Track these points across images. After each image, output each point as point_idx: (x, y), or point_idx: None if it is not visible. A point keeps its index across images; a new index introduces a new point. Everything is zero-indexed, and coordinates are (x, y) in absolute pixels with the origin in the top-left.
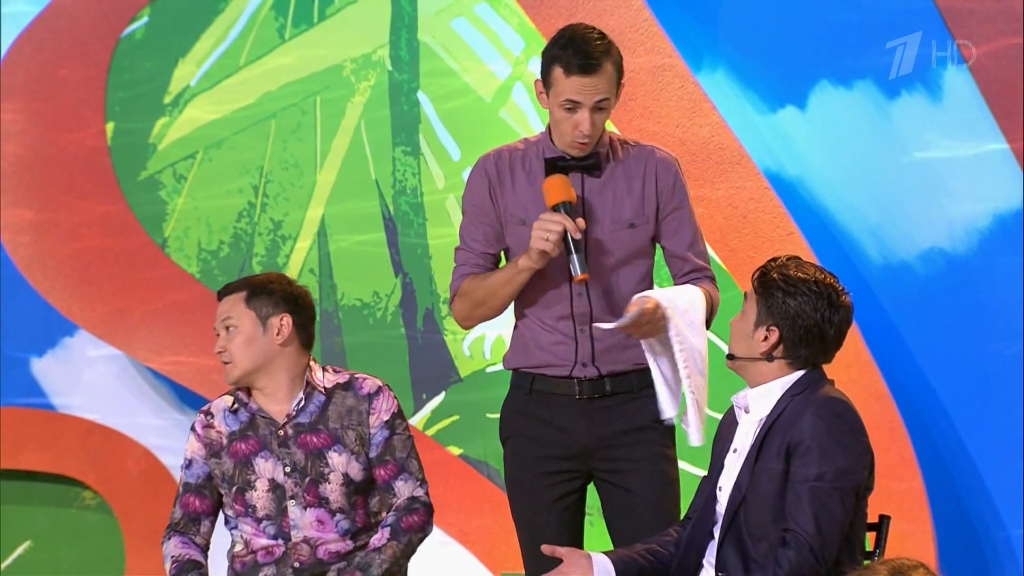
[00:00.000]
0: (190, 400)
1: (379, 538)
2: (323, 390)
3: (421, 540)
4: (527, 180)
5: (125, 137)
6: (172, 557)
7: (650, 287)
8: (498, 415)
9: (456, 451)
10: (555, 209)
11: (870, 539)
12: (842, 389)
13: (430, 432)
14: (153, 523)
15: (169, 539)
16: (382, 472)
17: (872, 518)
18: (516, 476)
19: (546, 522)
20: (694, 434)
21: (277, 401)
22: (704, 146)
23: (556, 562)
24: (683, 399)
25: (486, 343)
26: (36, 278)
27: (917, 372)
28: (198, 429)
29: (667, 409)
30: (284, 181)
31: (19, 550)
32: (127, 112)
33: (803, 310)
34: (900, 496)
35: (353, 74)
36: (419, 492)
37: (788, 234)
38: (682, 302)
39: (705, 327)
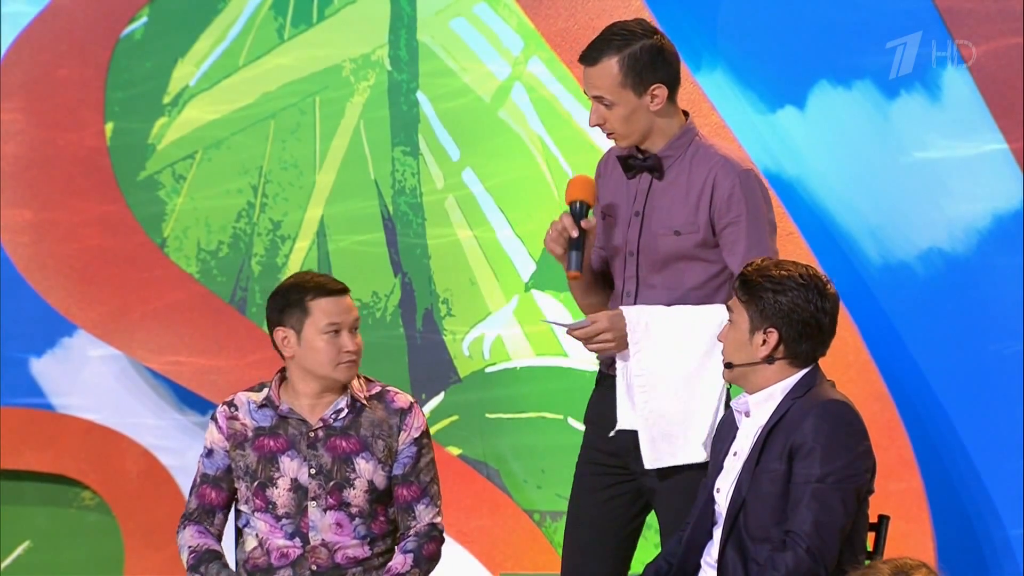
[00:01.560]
0: (189, 400)
1: (402, 563)
2: (364, 401)
3: (433, 568)
4: (612, 178)
5: (124, 137)
6: (189, 547)
7: (707, 296)
8: (497, 415)
9: (455, 451)
10: (571, 207)
11: (869, 539)
12: (842, 389)
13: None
14: (152, 523)
15: (184, 528)
16: (404, 492)
17: (871, 518)
18: (577, 462)
19: (584, 511)
20: (645, 455)
21: (309, 404)
22: None
23: (587, 557)
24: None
25: (485, 343)
26: (35, 278)
27: (916, 372)
28: (220, 420)
29: (622, 418)
30: (283, 181)
31: (18, 550)
32: (126, 112)
33: (797, 304)
34: (899, 496)
35: (352, 74)
36: (438, 519)
37: (787, 234)
38: (668, 328)
39: (712, 354)
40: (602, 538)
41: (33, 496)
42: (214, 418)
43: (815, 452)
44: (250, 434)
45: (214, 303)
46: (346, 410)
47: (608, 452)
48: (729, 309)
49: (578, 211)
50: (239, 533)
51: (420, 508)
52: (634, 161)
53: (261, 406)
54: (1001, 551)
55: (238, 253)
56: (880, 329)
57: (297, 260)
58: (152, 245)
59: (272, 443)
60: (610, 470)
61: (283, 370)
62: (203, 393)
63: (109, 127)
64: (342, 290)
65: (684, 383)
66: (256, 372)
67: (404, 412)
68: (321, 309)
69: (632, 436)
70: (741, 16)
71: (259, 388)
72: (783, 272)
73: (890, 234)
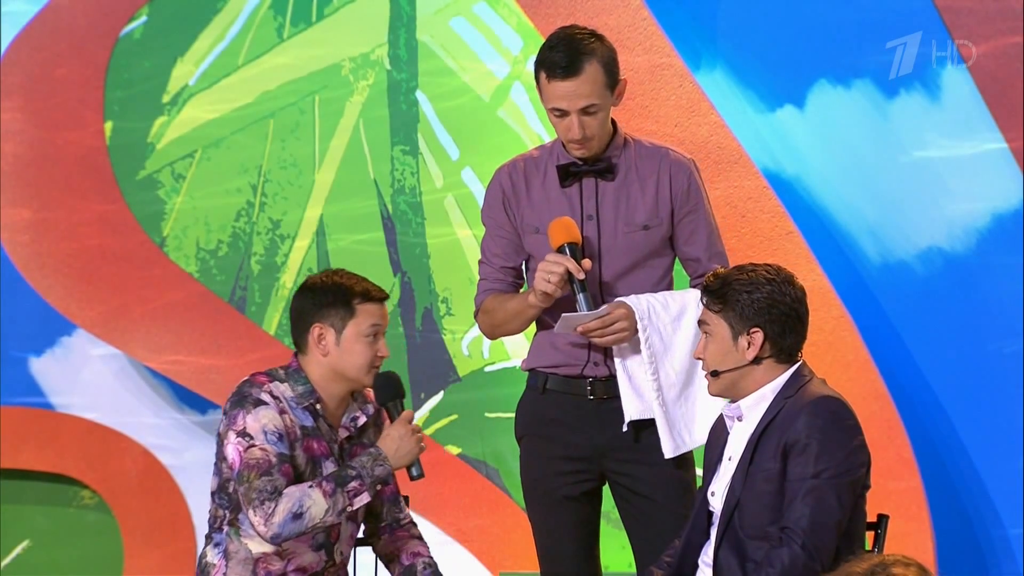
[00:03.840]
0: (189, 399)
1: (427, 550)
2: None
3: None
4: (542, 188)
5: (123, 136)
6: (309, 487)
7: (667, 289)
8: (496, 414)
9: (455, 450)
10: (559, 251)
11: (869, 538)
12: (841, 389)
13: (429, 431)
14: (152, 522)
15: (280, 497)
16: (390, 487)
17: (871, 517)
18: (530, 475)
19: (560, 522)
20: (664, 444)
21: (332, 408)
22: (702, 145)
23: (570, 561)
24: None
25: (484, 343)
26: (35, 277)
27: (916, 372)
28: (274, 409)
29: (629, 410)
30: (283, 180)
31: (17, 549)
32: (125, 111)
33: (774, 298)
34: (899, 495)
35: (352, 73)
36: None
37: (786, 233)
38: (665, 313)
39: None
40: (582, 542)
41: (33, 495)
42: (262, 403)
43: (810, 449)
44: (299, 432)
45: (213, 302)
46: (363, 418)
47: (576, 458)
48: (702, 323)
49: (573, 253)
50: (235, 529)
51: (401, 501)
52: (575, 168)
53: (301, 406)
54: (1001, 551)
55: (237, 252)
56: (880, 329)
57: (296, 259)
58: (151, 244)
59: (316, 446)
60: (578, 475)
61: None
62: (202, 392)
63: (108, 126)
64: (386, 297)
65: (687, 365)
66: (255, 371)
67: (380, 410)
68: (367, 312)
69: (603, 436)
70: (741, 16)
71: (280, 378)
72: (749, 273)
73: (890, 233)
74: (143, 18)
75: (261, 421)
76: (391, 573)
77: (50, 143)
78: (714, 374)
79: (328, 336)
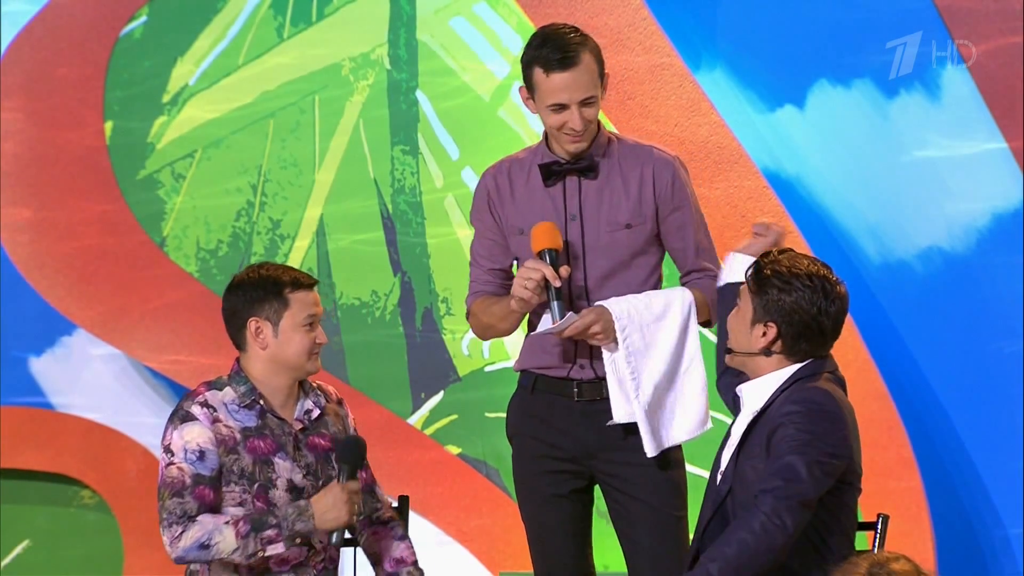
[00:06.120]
0: None
1: (410, 552)
2: (336, 397)
3: None
4: (526, 189)
5: (124, 136)
6: (226, 522)
7: (655, 287)
8: (496, 414)
9: (455, 450)
10: (540, 256)
11: (868, 538)
12: None
13: (429, 431)
14: (152, 523)
15: (193, 522)
16: (363, 475)
17: (871, 517)
18: (520, 474)
19: (550, 520)
20: (646, 443)
21: (281, 402)
22: (703, 145)
23: (562, 559)
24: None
25: (485, 342)
26: (35, 277)
27: (916, 371)
28: (205, 421)
29: (618, 413)
30: (283, 180)
31: (17, 549)
32: (126, 111)
33: (799, 305)
34: (899, 495)
35: (352, 73)
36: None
37: (787, 233)
38: (648, 313)
39: (688, 331)
40: (574, 539)
41: (33, 495)
42: (191, 418)
43: (785, 426)
44: (238, 436)
45: (214, 302)
46: (316, 410)
47: (565, 458)
48: (740, 293)
49: (552, 260)
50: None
51: (378, 490)
52: (557, 167)
53: (243, 406)
54: (1001, 551)
55: (237, 252)
56: (880, 328)
57: (296, 259)
58: (152, 244)
59: (262, 444)
60: (567, 475)
61: (238, 366)
62: None
63: (108, 126)
64: (315, 283)
65: (670, 364)
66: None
67: (341, 401)
68: (300, 301)
69: (590, 437)
70: (741, 16)
71: (220, 385)
72: (794, 270)
73: (890, 233)
74: (143, 18)
75: (184, 438)
76: None
77: (50, 143)
78: (728, 351)
79: (265, 329)
